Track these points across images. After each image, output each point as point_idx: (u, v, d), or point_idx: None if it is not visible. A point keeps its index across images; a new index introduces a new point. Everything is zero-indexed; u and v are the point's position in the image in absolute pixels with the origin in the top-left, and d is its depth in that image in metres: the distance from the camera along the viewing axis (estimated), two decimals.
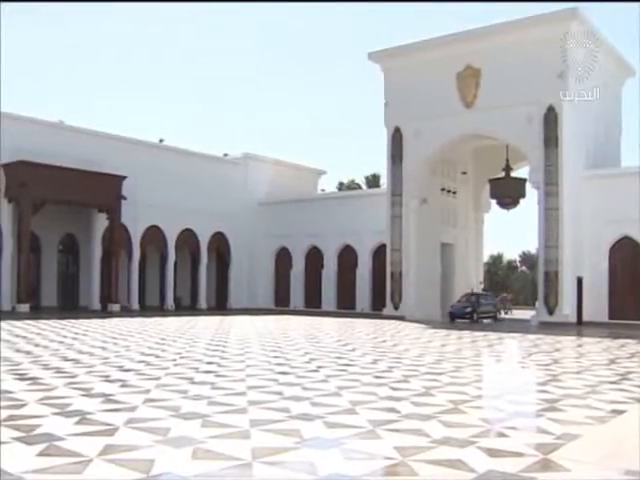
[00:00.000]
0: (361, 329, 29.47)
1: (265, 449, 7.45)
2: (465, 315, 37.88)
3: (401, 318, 37.85)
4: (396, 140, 40.93)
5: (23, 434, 7.97)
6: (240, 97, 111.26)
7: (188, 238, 46.85)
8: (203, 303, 47.62)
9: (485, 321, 38.90)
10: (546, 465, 7.04)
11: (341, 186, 73.39)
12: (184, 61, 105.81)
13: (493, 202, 43.61)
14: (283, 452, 7.40)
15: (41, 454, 7.12)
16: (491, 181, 41.87)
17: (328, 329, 28.93)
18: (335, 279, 47.04)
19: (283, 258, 49.91)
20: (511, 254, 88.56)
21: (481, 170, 45.05)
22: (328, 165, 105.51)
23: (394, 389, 11.99)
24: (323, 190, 58.98)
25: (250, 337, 23.81)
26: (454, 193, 44.39)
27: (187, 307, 48.03)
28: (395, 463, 7.02)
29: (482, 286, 48.55)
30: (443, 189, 43.23)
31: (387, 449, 7.54)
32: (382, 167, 45.26)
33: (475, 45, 37.57)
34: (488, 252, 72.06)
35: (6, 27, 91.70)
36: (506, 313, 50.52)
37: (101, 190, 39.82)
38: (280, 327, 29.39)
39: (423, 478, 6.53)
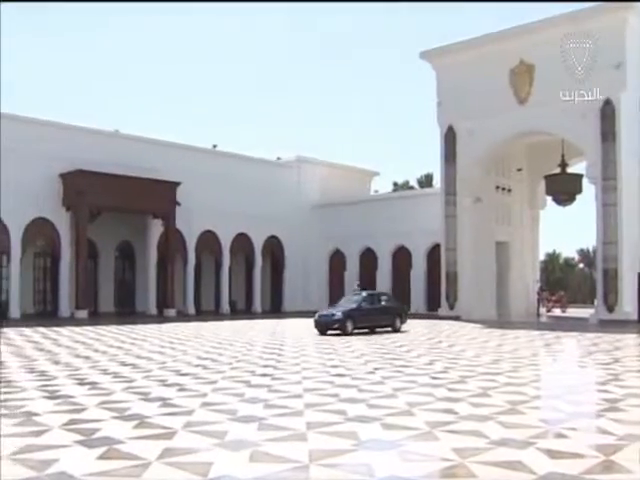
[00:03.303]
0: (417, 330, 29.31)
1: (322, 451, 7.46)
2: (333, 325, 26.91)
3: (456, 318, 37.51)
4: (449, 139, 40.57)
5: (84, 437, 8.13)
6: (293, 100, 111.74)
7: (242, 242, 47.11)
8: (258, 307, 47.83)
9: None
10: (608, 467, 6.90)
11: (395, 187, 73.22)
12: (236, 65, 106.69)
13: (549, 199, 42.93)
14: (340, 454, 7.40)
15: (101, 457, 7.25)
16: (547, 177, 41.20)
17: (383, 330, 28.79)
18: (389, 280, 46.82)
19: (337, 260, 49.84)
20: (568, 251, 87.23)
21: (536, 166, 44.34)
22: (381, 166, 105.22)
23: (451, 390, 11.91)
24: (376, 191, 58.83)
25: (305, 339, 23.87)
26: (509, 191, 43.82)
27: (242, 311, 48.29)
28: (453, 465, 6.97)
29: (539, 284, 47.84)
30: (497, 187, 42.69)
31: (445, 450, 7.49)
32: (435, 167, 44.90)
33: (528, 40, 36.97)
34: (544, 250, 71.13)
35: (57, 35, 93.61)
36: (563, 311, 49.73)
37: (156, 197, 40.30)
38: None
39: None
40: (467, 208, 39.90)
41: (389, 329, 28.51)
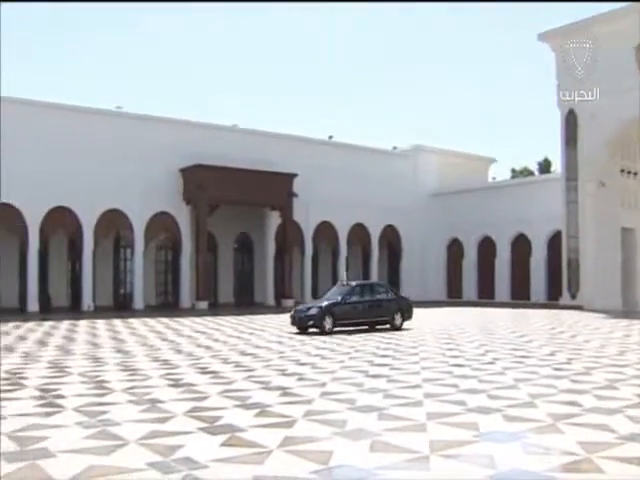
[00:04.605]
0: (537, 320, 28.62)
1: (442, 442, 7.39)
2: (308, 322, 22.52)
3: (579, 308, 36.38)
4: (570, 122, 39.31)
5: (207, 425, 8.35)
6: (408, 88, 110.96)
7: (359, 232, 47.16)
8: None
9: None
10: None
11: (514, 173, 71.66)
12: (351, 56, 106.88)
13: None
14: (461, 445, 7.30)
15: (224, 444, 7.42)
16: None
17: (502, 320, 28.27)
18: (509, 269, 45.90)
19: (455, 249, 49.26)
20: None
21: None
22: (499, 152, 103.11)
23: (575, 382, 11.57)
24: (494, 178, 57.71)
25: (423, 329, 23.69)
26: (635, 174, 42.09)
27: None
28: (578, 459, 6.75)
29: None
30: (622, 170, 41.04)
31: (570, 444, 7.27)
32: (554, 151, 43.58)
33: None
34: None
35: (174, 30, 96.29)
36: None
37: (273, 189, 40.87)
38: (453, 319, 29.00)
39: (611, 477, 6.22)
40: (590, 193, 38.53)
41: (387, 326, 24.03)
